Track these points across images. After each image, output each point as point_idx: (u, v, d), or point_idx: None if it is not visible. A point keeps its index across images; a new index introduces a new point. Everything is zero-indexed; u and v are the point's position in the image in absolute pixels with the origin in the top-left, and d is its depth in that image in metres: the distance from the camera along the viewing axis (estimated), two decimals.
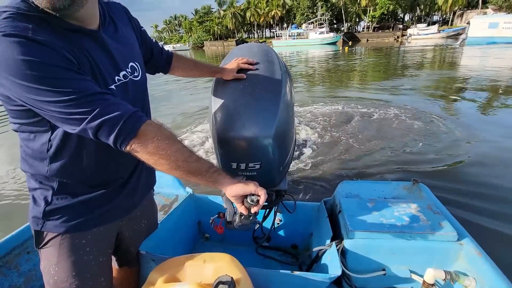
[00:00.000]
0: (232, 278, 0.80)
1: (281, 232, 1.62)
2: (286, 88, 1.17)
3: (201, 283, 0.83)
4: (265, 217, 1.38)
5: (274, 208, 1.36)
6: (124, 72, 0.78)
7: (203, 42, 67.88)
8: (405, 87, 8.26)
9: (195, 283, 0.83)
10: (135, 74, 0.83)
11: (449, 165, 3.23)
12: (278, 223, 1.59)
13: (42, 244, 0.82)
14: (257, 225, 1.40)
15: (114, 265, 1.12)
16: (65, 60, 0.61)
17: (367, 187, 1.45)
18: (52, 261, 0.82)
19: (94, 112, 0.62)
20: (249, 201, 0.80)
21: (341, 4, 52.79)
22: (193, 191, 1.65)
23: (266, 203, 1.29)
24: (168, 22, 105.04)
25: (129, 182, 0.90)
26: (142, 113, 0.69)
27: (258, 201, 0.79)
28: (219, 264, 0.92)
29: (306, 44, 43.41)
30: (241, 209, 0.83)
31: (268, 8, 62.73)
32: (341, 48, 32.35)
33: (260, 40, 61.43)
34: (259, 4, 63.74)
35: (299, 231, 1.58)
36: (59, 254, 0.82)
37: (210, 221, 1.14)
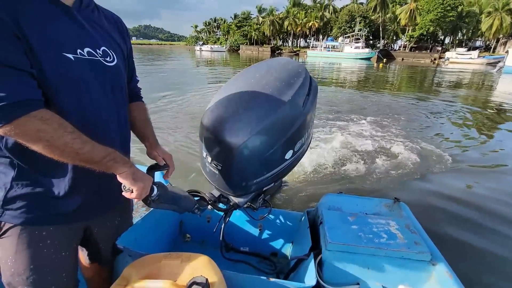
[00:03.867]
0: (207, 279, 0.81)
1: (262, 239, 1.62)
2: (284, 114, 1.15)
3: (175, 283, 0.82)
4: (224, 222, 1.39)
5: (226, 214, 1.39)
6: (88, 49, 0.76)
7: (239, 46, 70.40)
8: (424, 103, 8.68)
9: (169, 281, 0.82)
10: (107, 59, 0.82)
11: (436, 187, 3.26)
12: (259, 230, 1.60)
13: (0, 233, 0.79)
14: (220, 229, 1.40)
15: (85, 260, 1.09)
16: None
17: (350, 201, 1.47)
18: (9, 253, 0.79)
19: None
20: (124, 188, 0.81)
21: (380, 21, 53.04)
22: None
23: (224, 207, 1.38)
24: (207, 23, 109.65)
25: (99, 178, 0.82)
26: (33, 103, 0.64)
27: (127, 191, 0.80)
28: (195, 264, 0.91)
29: (340, 57, 44.16)
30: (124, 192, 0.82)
31: (306, 19, 64.18)
32: (375, 64, 32.84)
33: (295, 49, 62.91)
34: (298, 15, 65.36)
35: (280, 239, 1.59)
36: (17, 245, 0.78)
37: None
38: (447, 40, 55.48)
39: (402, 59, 45.24)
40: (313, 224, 1.39)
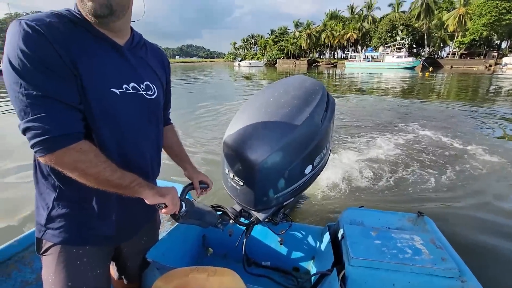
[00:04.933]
0: None
1: (283, 254, 1.61)
2: (303, 130, 1.18)
3: None
4: (246, 236, 1.41)
5: (248, 229, 1.41)
6: (133, 84, 0.81)
7: (276, 60, 71.61)
8: (471, 112, 7.98)
9: None
10: (149, 92, 0.87)
11: (462, 201, 3.09)
12: (281, 244, 1.60)
13: (42, 251, 0.85)
14: (242, 243, 1.41)
15: (115, 275, 1.14)
16: (53, 59, 0.65)
17: (372, 215, 1.43)
18: (50, 270, 0.83)
19: (31, 118, 0.64)
20: (156, 205, 0.86)
21: (424, 29, 50.12)
22: None
23: (246, 221, 1.39)
24: (245, 40, 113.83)
25: (129, 203, 0.89)
26: (74, 136, 0.69)
27: (161, 208, 0.86)
28: (221, 278, 0.94)
29: (381, 67, 42.39)
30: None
31: (344, 30, 63.25)
32: (420, 73, 30.88)
33: (332, 61, 62.02)
34: (335, 27, 64.77)
35: (302, 253, 1.57)
36: (56, 263, 0.83)
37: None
38: (504, 45, 50.15)
39: (451, 66, 41.87)
40: (334, 239, 1.38)
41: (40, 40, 0.64)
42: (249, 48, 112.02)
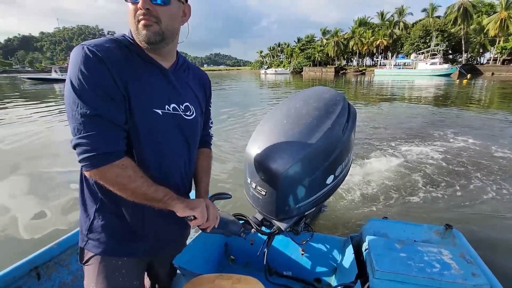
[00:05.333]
0: None
1: (305, 264, 1.59)
2: (325, 140, 1.20)
3: None
4: (268, 245, 1.43)
5: (269, 238, 1.41)
6: (174, 105, 0.86)
7: (302, 68, 71.38)
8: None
9: None
10: (188, 113, 0.91)
11: (495, 216, 2.90)
12: (302, 254, 1.59)
13: (84, 261, 0.89)
14: (263, 252, 1.43)
15: (146, 284, 1.17)
16: (109, 82, 0.72)
17: (396, 227, 1.40)
18: (91, 280, 0.87)
19: (84, 134, 0.70)
20: (186, 217, 0.88)
21: (462, 34, 47.37)
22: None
23: (268, 230, 1.41)
24: (272, 48, 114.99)
25: (165, 219, 0.93)
26: (116, 154, 0.75)
27: (191, 220, 0.89)
28: (245, 286, 0.95)
29: (413, 75, 40.56)
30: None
31: (373, 37, 61.71)
32: (457, 80, 29.12)
33: (360, 68, 60.55)
34: (364, 34, 63.39)
35: (323, 264, 1.55)
36: (97, 274, 0.86)
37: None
38: None
39: (492, 73, 38.96)
40: (357, 250, 1.36)
41: (99, 65, 0.71)
42: (275, 56, 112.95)
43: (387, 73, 45.49)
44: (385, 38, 59.75)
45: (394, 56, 56.13)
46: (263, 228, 1.47)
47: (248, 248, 1.67)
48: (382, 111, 10.21)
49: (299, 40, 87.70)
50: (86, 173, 0.75)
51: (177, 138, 0.90)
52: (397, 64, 47.38)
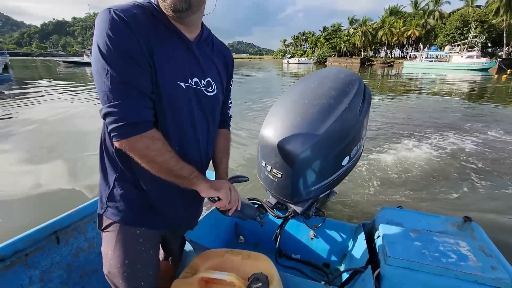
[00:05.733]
0: (267, 276, 0.84)
1: (314, 248, 1.60)
2: (342, 121, 1.18)
3: (237, 276, 0.87)
4: (281, 228, 1.42)
5: (284, 221, 1.42)
6: (196, 80, 0.84)
7: (326, 58, 69.42)
8: None
9: (233, 274, 0.87)
10: (209, 89, 0.89)
11: None
12: (311, 238, 1.59)
13: (103, 227, 0.90)
14: (273, 234, 1.45)
15: (160, 256, 1.17)
16: (136, 49, 0.70)
17: (411, 216, 1.36)
18: (110, 246, 0.88)
19: (112, 103, 0.69)
20: (210, 199, 0.88)
21: (504, 25, 43.61)
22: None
23: (281, 214, 1.40)
24: (296, 37, 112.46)
25: (182, 194, 0.91)
26: (146, 125, 0.73)
27: (215, 201, 0.89)
28: (255, 262, 0.96)
29: (446, 68, 38.15)
30: (209, 202, 0.92)
31: (404, 28, 58.40)
32: (495, 75, 27.05)
33: (388, 60, 57.85)
34: (395, 24, 60.12)
35: (333, 249, 1.55)
36: (116, 241, 0.87)
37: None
38: None
39: None
40: (369, 238, 1.34)
41: (126, 30, 0.68)
42: (299, 46, 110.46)
43: (417, 66, 43.04)
44: (417, 29, 56.34)
45: (426, 48, 52.94)
46: (277, 212, 1.46)
47: (258, 229, 1.68)
48: (407, 102, 9.81)
49: (324, 29, 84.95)
50: (116, 144, 0.74)
51: (198, 114, 0.88)
52: (429, 56, 44.69)
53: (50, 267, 1.24)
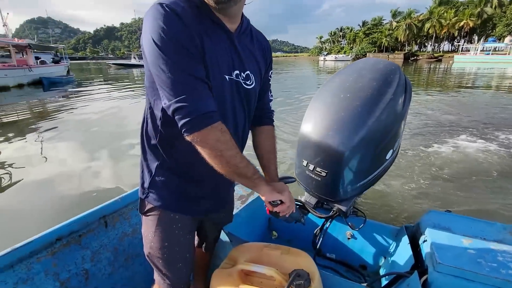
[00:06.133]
0: (308, 273, 0.83)
1: (351, 249, 1.53)
2: (388, 112, 1.14)
3: (277, 271, 0.86)
4: (322, 227, 1.37)
5: (327, 220, 1.35)
6: (237, 72, 0.83)
7: (366, 54, 66.22)
8: None
9: (273, 268, 0.86)
10: (248, 82, 0.87)
11: None
12: (348, 238, 1.53)
13: (145, 211, 0.94)
14: (318, 233, 1.40)
15: (195, 243, 1.20)
16: (191, 41, 0.69)
17: (461, 222, 1.25)
18: (150, 229, 0.93)
19: (180, 97, 0.68)
20: (271, 202, 0.86)
21: None
22: None
23: (324, 213, 1.33)
24: (333, 33, 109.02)
25: (218, 183, 0.93)
26: (215, 115, 0.72)
27: (277, 205, 0.86)
28: (295, 258, 0.95)
29: (506, 62, 34.07)
30: (268, 206, 0.89)
31: (456, 18, 53.31)
32: None
33: (435, 55, 53.36)
34: (445, 14, 55.16)
35: (371, 251, 1.48)
36: (156, 225, 0.91)
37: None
38: None
39: None
40: (412, 241, 1.28)
41: (179, 22, 0.68)
42: (335, 42, 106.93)
43: (470, 60, 38.99)
44: (471, 19, 51.06)
45: (481, 39, 47.77)
46: (319, 211, 1.43)
47: (292, 226, 1.65)
48: (459, 98, 8.99)
49: (364, 23, 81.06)
50: (188, 138, 0.72)
51: (237, 107, 0.88)
52: (485, 49, 40.28)
53: (99, 248, 1.34)
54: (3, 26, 20.40)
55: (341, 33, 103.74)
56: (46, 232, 1.15)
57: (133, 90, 12.75)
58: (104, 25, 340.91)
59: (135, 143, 4.85)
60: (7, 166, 4.25)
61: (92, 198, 3.11)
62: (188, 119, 0.69)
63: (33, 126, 6.65)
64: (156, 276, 1.00)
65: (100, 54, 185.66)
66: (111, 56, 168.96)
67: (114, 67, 43.38)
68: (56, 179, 3.65)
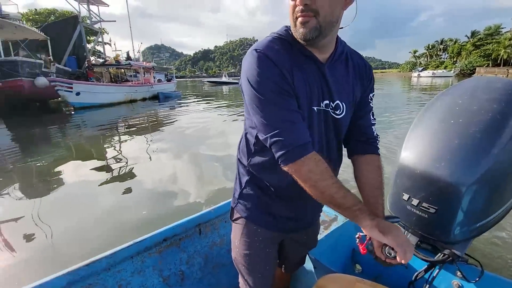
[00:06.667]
0: None
1: None
2: None
3: None
4: (426, 270, 1.18)
5: (434, 266, 1.14)
6: (326, 102, 0.84)
7: (475, 68, 56.12)
8: None
9: None
10: (337, 112, 0.87)
11: None
12: None
13: (233, 219, 1.04)
14: (419, 277, 1.18)
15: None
16: (282, 79, 0.75)
17: None
18: (237, 236, 1.01)
19: (275, 131, 0.74)
20: (386, 252, 0.76)
21: None
22: None
23: (431, 257, 1.15)
24: (430, 46, 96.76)
25: (303, 205, 0.96)
26: (309, 147, 0.75)
27: (394, 257, 0.74)
28: None
29: None
30: (377, 251, 0.79)
31: None
32: None
33: None
34: None
35: None
36: (242, 233, 0.99)
37: (357, 235, 0.89)
38: None
39: None
40: None
41: (270, 64, 0.75)
42: (433, 56, 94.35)
43: None
44: None
45: None
46: (423, 253, 1.24)
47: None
48: None
49: (473, 34, 69.37)
50: (284, 168, 0.77)
51: (325, 137, 0.89)
52: None
53: (193, 253, 1.48)
54: (137, 52, 26.33)
55: (441, 46, 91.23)
56: (156, 232, 1.34)
57: (223, 105, 14.55)
58: (202, 48, 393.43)
59: (223, 153, 5.36)
60: (125, 160, 5.30)
61: (187, 203, 3.50)
62: (283, 151, 0.75)
63: (149, 131, 8.28)
64: (240, 279, 1.08)
65: (196, 73, 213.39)
66: (205, 74, 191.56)
67: (208, 84, 49.57)
68: (163, 180, 4.32)
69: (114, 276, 1.22)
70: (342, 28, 0.85)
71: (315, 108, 0.82)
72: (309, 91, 0.81)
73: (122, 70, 22.26)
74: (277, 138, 0.75)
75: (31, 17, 29.46)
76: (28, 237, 2.79)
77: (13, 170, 5.01)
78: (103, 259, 1.18)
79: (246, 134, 0.93)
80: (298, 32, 0.77)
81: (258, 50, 0.76)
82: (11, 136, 8.43)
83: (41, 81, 13.17)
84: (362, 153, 0.96)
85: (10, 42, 15.06)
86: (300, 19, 0.74)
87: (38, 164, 5.31)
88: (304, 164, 0.75)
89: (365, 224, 0.77)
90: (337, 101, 0.86)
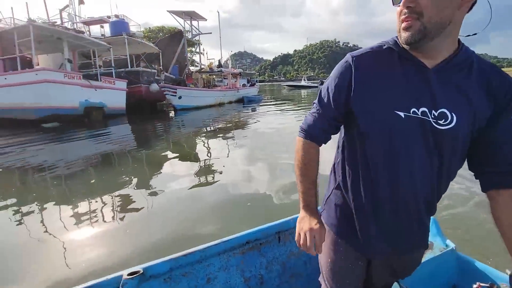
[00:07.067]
0: None
1: None
2: None
3: None
4: None
5: None
6: (424, 109, 0.74)
7: None
8: None
9: None
10: (441, 121, 0.74)
11: None
12: None
13: None
14: None
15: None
16: (344, 82, 0.83)
17: None
18: (325, 241, 0.95)
19: (308, 116, 0.95)
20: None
21: None
22: (456, 247, 1.47)
23: None
24: None
25: (405, 233, 0.86)
26: (309, 136, 0.93)
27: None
28: None
29: None
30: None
31: None
32: None
33: None
34: None
35: None
36: (326, 239, 0.94)
37: (476, 285, 0.77)
38: None
39: None
40: None
41: (346, 66, 0.83)
42: None
43: None
44: None
45: None
46: None
47: None
48: None
49: None
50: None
51: (418, 149, 0.76)
52: None
53: (272, 259, 1.50)
54: (227, 60, 29.17)
55: None
56: (240, 234, 1.44)
57: (301, 108, 14.94)
58: (281, 53, 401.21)
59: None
60: (211, 159, 5.94)
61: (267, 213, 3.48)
62: (300, 127, 0.96)
63: (234, 131, 9.19)
64: (323, 286, 1.04)
65: (274, 77, 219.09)
66: (283, 78, 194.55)
67: (287, 88, 50.65)
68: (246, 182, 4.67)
69: (204, 269, 1.33)
70: (468, 36, 0.78)
71: (400, 113, 0.75)
72: (395, 94, 0.76)
73: (213, 76, 24.87)
74: (307, 117, 0.95)
75: (146, 34, 35.97)
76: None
77: (129, 155, 6.52)
78: (197, 252, 1.30)
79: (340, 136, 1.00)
80: (401, 37, 0.74)
81: (351, 55, 0.84)
82: (131, 128, 11.49)
83: (154, 87, 16.18)
84: (501, 187, 0.77)
85: (134, 55, 18.71)
86: (403, 24, 0.72)
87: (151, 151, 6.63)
88: (298, 142, 0.95)
89: (301, 211, 0.94)
90: (443, 110, 0.74)
